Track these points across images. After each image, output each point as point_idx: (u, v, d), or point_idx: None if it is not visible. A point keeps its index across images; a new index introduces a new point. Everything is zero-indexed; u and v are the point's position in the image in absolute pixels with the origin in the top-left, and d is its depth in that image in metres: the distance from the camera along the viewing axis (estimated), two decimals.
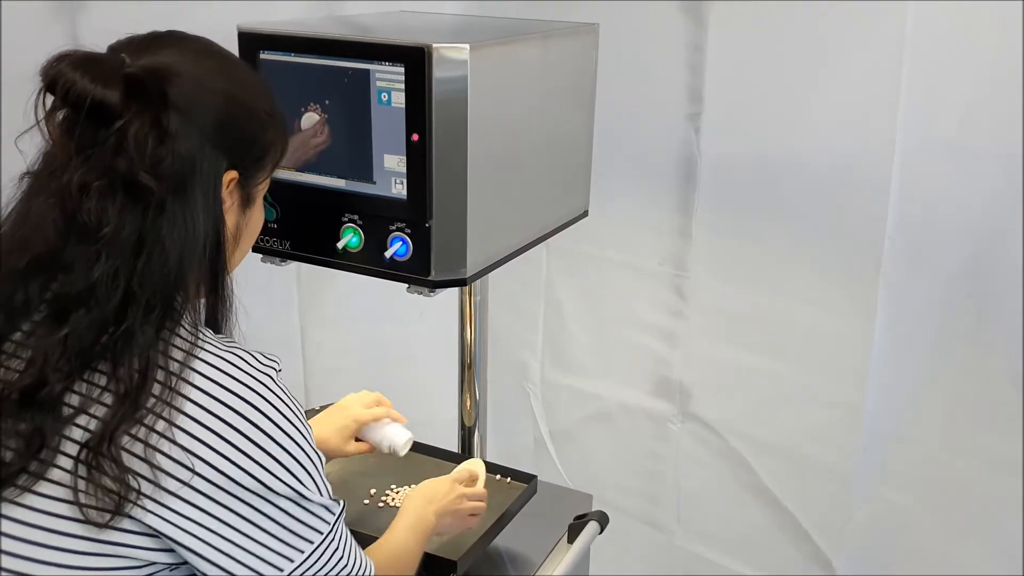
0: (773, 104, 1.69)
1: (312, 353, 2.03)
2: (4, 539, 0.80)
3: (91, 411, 0.80)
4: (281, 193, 1.21)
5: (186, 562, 0.85)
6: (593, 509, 1.45)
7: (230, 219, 0.93)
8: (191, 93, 0.85)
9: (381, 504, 1.36)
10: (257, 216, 1.00)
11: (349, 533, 0.95)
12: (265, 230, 1.24)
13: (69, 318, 0.80)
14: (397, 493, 1.39)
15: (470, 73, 1.08)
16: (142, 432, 0.79)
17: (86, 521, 0.79)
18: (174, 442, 0.80)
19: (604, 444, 2.09)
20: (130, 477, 0.79)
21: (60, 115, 0.83)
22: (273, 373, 0.88)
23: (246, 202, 0.95)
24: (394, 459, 1.48)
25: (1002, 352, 1.58)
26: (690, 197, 1.82)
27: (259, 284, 1.88)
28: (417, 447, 1.51)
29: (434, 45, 1.06)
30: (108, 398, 0.80)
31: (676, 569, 2.05)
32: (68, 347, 0.80)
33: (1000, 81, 1.48)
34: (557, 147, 1.35)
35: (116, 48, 0.88)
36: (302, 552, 0.88)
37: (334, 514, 0.91)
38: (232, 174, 0.90)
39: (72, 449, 0.80)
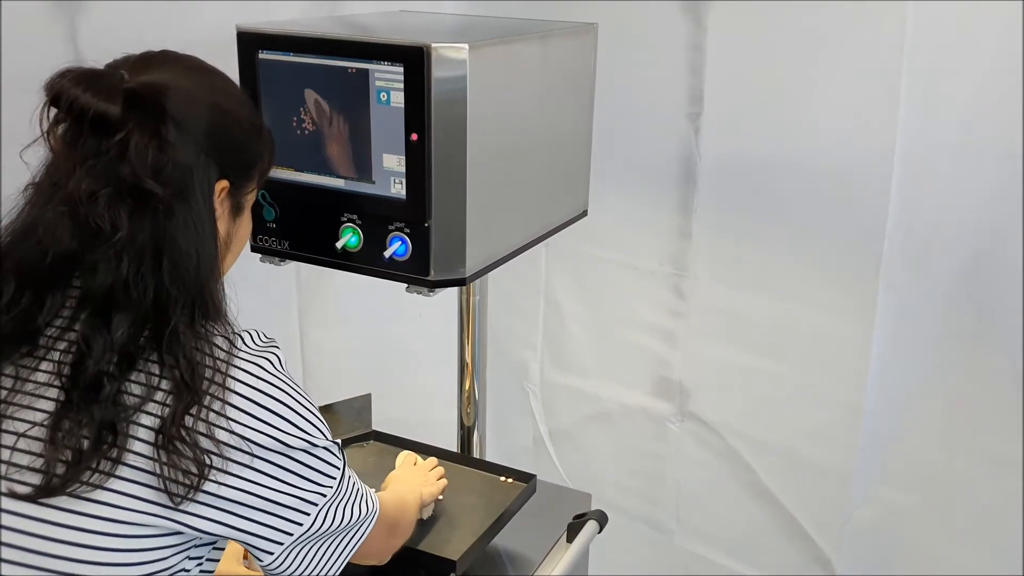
0: (773, 104, 1.69)
1: (311, 353, 2.03)
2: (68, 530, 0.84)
3: (154, 400, 0.86)
4: (280, 193, 1.21)
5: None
6: (592, 508, 1.45)
7: (221, 227, 0.97)
8: (185, 106, 0.90)
9: None
10: (245, 225, 1.04)
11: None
12: (264, 230, 1.24)
13: (112, 318, 0.86)
14: None
15: (469, 73, 1.08)
16: (203, 413, 0.86)
17: (163, 503, 0.85)
18: (229, 419, 0.88)
19: (603, 444, 2.09)
20: (199, 451, 0.85)
21: (61, 128, 0.88)
22: (274, 356, 0.94)
23: (236, 210, 1.00)
24: (393, 457, 1.49)
25: (1002, 352, 1.58)
26: (690, 197, 1.83)
27: (258, 284, 1.88)
28: (417, 447, 1.51)
29: (433, 45, 1.06)
30: (163, 389, 0.86)
31: (675, 569, 2.05)
32: (116, 348, 0.85)
33: (1000, 82, 1.48)
34: (556, 147, 1.35)
35: (114, 66, 0.93)
36: (323, 495, 0.95)
37: (340, 455, 0.98)
38: (224, 183, 0.95)
39: (141, 435, 0.85)
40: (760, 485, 1.89)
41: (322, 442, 0.94)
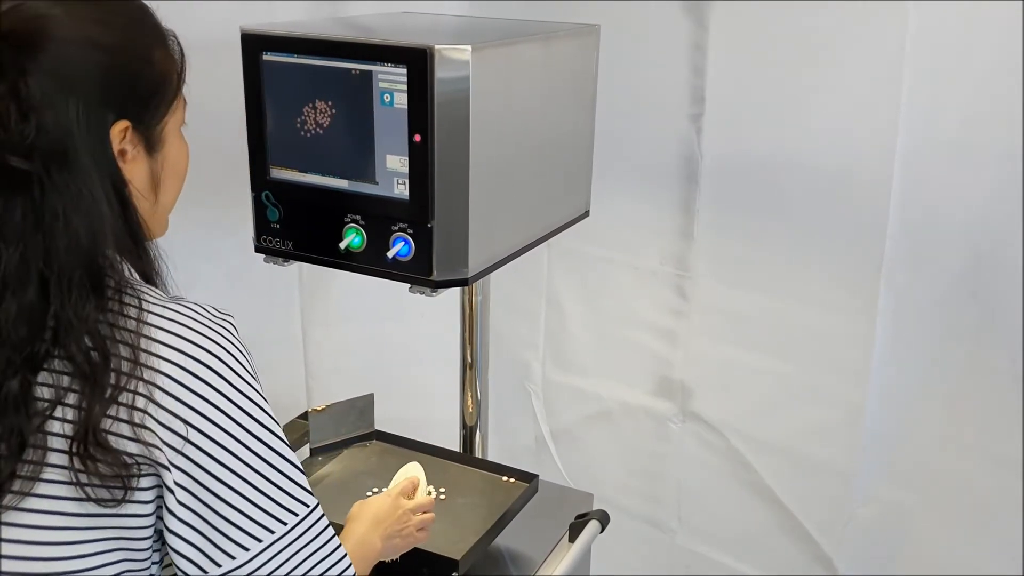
0: (774, 104, 1.69)
1: (314, 353, 2.04)
2: (7, 544, 0.78)
3: (67, 401, 0.77)
4: (284, 194, 1.22)
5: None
6: (594, 508, 1.45)
7: (138, 168, 0.87)
8: (53, 51, 0.77)
9: None
10: (176, 153, 0.92)
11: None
12: (268, 230, 1.24)
13: None
14: None
15: (472, 74, 1.08)
16: (123, 412, 0.77)
17: (92, 513, 0.78)
18: (164, 404, 0.77)
19: (605, 443, 2.09)
20: (124, 457, 0.77)
21: None
22: (225, 327, 0.84)
23: (152, 146, 0.88)
24: (396, 457, 1.49)
25: (1003, 351, 1.58)
26: (692, 197, 1.83)
27: (261, 284, 1.89)
28: (419, 447, 1.51)
29: (436, 46, 1.06)
30: (74, 390, 0.77)
31: (677, 568, 2.06)
32: (6, 342, 0.76)
33: (1001, 81, 1.48)
34: (559, 147, 1.36)
35: None
36: (285, 524, 0.84)
37: (310, 504, 0.87)
38: (122, 124, 0.84)
39: (59, 442, 0.77)
40: (762, 484, 1.89)
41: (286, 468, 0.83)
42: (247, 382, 0.83)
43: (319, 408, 1.48)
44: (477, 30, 1.32)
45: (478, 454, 1.60)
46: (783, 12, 1.63)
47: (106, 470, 0.76)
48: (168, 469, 0.78)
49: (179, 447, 0.78)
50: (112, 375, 0.77)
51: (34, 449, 0.77)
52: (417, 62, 1.07)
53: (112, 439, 0.77)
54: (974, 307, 1.61)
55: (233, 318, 0.85)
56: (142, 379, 0.77)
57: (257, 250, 1.27)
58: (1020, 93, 1.47)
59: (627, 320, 1.98)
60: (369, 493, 1.39)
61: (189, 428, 0.78)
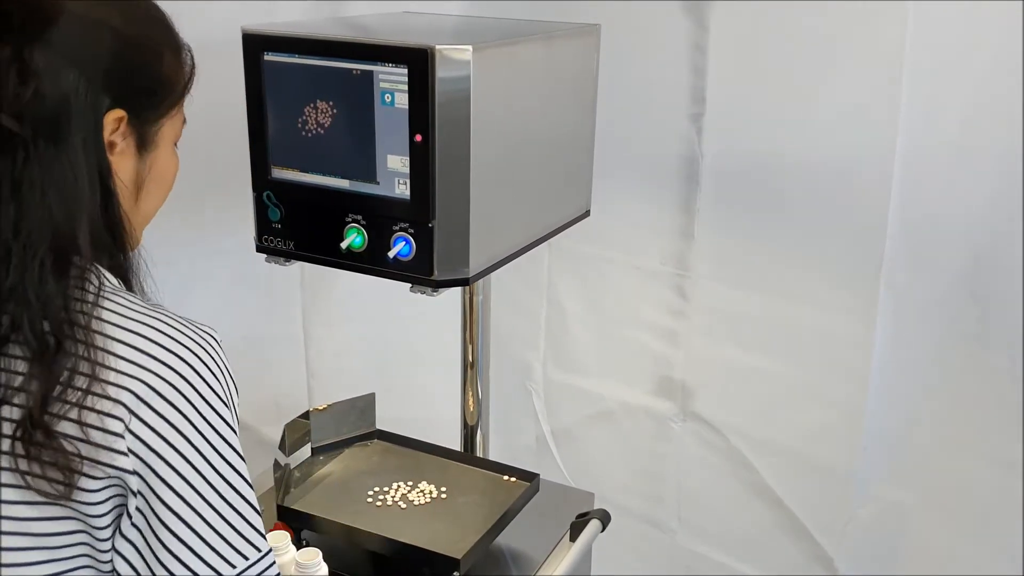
0: (775, 104, 1.69)
1: (315, 353, 2.04)
2: None
3: (16, 395, 0.74)
4: (285, 193, 1.22)
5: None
6: (595, 508, 1.45)
7: (125, 164, 0.85)
8: (64, 24, 0.77)
9: (380, 503, 1.37)
10: (163, 163, 0.90)
11: None
12: (269, 230, 1.24)
13: None
14: (397, 491, 1.40)
15: (473, 74, 1.08)
16: (74, 398, 0.73)
17: (41, 502, 0.75)
18: (139, 422, 0.74)
19: (606, 443, 2.09)
20: (68, 444, 0.73)
21: None
22: (213, 337, 0.81)
23: (143, 145, 0.87)
24: (397, 457, 1.49)
25: (1003, 351, 1.58)
26: (692, 197, 1.83)
27: (263, 284, 1.90)
28: (420, 446, 1.52)
29: (437, 46, 1.07)
30: (21, 373, 0.74)
31: (677, 568, 2.06)
32: None
33: (1001, 81, 1.48)
34: (559, 147, 1.36)
35: None
36: (234, 567, 0.79)
37: (262, 549, 0.82)
38: (118, 113, 0.82)
39: (6, 429, 0.74)
40: (762, 484, 1.90)
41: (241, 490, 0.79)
42: (218, 413, 0.79)
43: (320, 407, 1.48)
44: (478, 30, 1.32)
45: (479, 453, 1.60)
46: (783, 12, 1.63)
47: (49, 458, 0.73)
48: (132, 487, 0.76)
49: (141, 469, 0.75)
50: (68, 363, 0.73)
51: None
52: (418, 62, 1.07)
53: (61, 423, 0.73)
54: (974, 307, 1.61)
55: (216, 333, 0.82)
56: (108, 382, 0.74)
57: (258, 250, 1.27)
58: (1020, 93, 1.47)
59: (628, 320, 1.99)
60: (369, 492, 1.39)
61: (152, 452, 0.75)
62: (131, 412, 0.75)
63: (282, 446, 1.36)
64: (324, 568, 1.22)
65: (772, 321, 1.80)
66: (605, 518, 1.42)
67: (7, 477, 0.75)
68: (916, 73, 1.54)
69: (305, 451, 1.43)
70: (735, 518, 1.95)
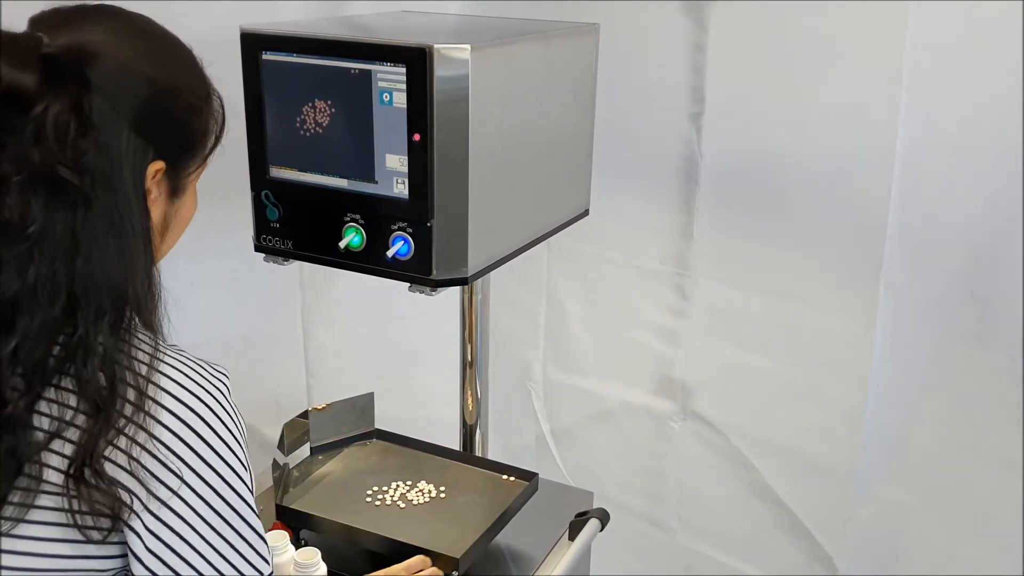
0: (774, 104, 1.69)
1: (314, 353, 2.04)
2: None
3: (66, 430, 0.77)
4: (283, 193, 1.22)
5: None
6: (594, 507, 1.45)
7: (156, 210, 0.88)
8: (114, 77, 0.79)
9: (379, 502, 1.37)
10: (187, 206, 0.94)
11: None
12: (268, 230, 1.24)
13: (16, 326, 0.75)
14: (396, 490, 1.40)
15: (471, 73, 1.08)
16: (123, 443, 0.77)
17: (83, 540, 0.78)
18: (159, 450, 0.78)
19: (605, 442, 2.09)
20: (119, 491, 0.77)
21: None
22: (224, 384, 0.85)
23: (174, 192, 0.90)
24: (396, 456, 1.49)
25: (1003, 351, 1.58)
26: (691, 196, 1.83)
27: (262, 284, 1.89)
28: (419, 445, 1.52)
29: (435, 45, 1.07)
30: (81, 412, 0.77)
31: (677, 567, 2.06)
32: (20, 359, 0.75)
33: (1001, 81, 1.48)
34: (558, 146, 1.36)
35: (35, 23, 0.82)
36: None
37: (264, 572, 0.87)
38: (158, 164, 0.85)
39: (54, 472, 0.77)
40: (762, 484, 1.89)
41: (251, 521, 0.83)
42: (233, 451, 0.83)
43: (319, 407, 1.48)
44: (476, 29, 1.32)
45: (478, 453, 1.60)
46: (783, 11, 1.63)
47: (99, 498, 0.76)
48: (140, 515, 0.78)
49: (164, 497, 0.79)
50: (125, 411, 0.77)
51: (29, 474, 0.76)
52: (416, 61, 1.07)
53: (110, 467, 0.77)
54: (974, 307, 1.61)
55: (228, 377, 0.86)
56: (140, 425, 0.77)
57: (257, 249, 1.27)
58: (1020, 93, 1.47)
59: (627, 319, 1.98)
60: (368, 492, 1.39)
61: (180, 481, 0.79)
62: (154, 456, 0.79)
63: (281, 446, 1.36)
64: (323, 568, 1.22)
65: (772, 321, 1.80)
66: (604, 517, 1.42)
67: (57, 516, 0.77)
68: (916, 73, 1.54)
69: (304, 451, 1.43)
70: (735, 518, 1.95)
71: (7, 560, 0.78)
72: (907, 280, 1.65)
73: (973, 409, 1.65)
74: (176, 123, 0.87)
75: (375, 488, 1.40)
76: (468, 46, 1.08)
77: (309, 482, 1.41)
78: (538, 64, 1.27)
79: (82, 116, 0.77)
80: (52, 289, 0.76)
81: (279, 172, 1.21)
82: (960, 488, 1.70)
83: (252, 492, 0.85)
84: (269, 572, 0.87)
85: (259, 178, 1.23)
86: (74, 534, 0.78)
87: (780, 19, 1.64)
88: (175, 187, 0.90)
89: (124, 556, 0.82)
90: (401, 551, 1.25)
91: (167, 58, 0.87)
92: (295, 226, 1.23)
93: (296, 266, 1.29)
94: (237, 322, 1.93)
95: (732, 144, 1.76)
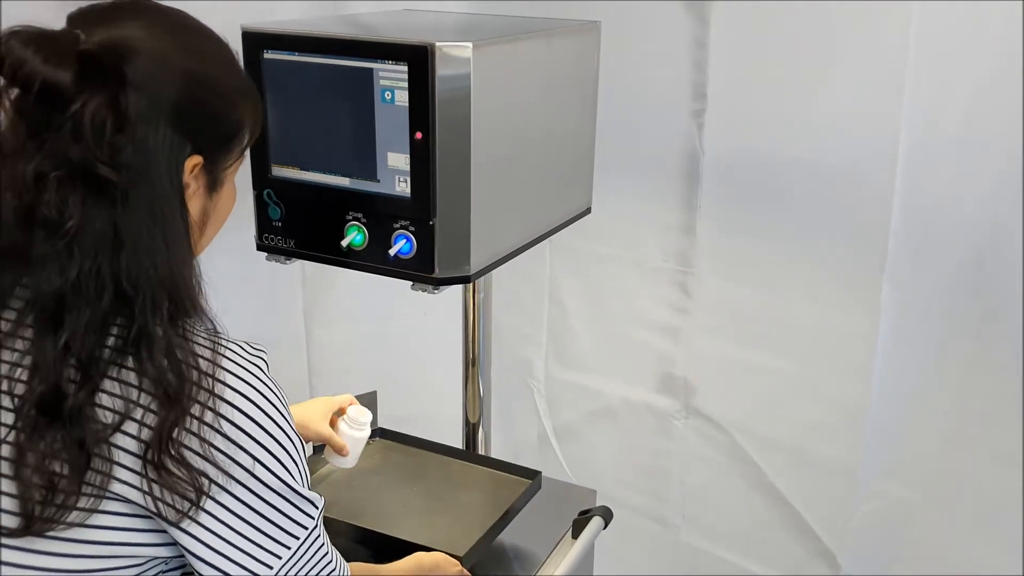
0: (777, 101, 1.69)
1: (316, 351, 2.04)
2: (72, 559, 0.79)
3: (135, 416, 0.78)
4: (285, 191, 1.22)
5: (181, 555, 0.86)
6: (597, 505, 1.45)
7: (195, 204, 0.89)
8: (151, 72, 0.79)
9: (382, 501, 1.37)
10: (226, 198, 0.95)
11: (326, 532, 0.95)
12: (270, 228, 1.24)
13: (63, 321, 0.76)
14: (399, 488, 1.39)
15: (473, 71, 1.08)
16: (195, 426, 0.79)
17: (152, 529, 0.81)
18: (224, 435, 0.81)
19: (608, 440, 2.09)
20: (196, 475, 0.79)
21: (12, 93, 0.77)
22: (264, 361, 0.87)
23: (213, 185, 0.91)
24: (399, 454, 1.49)
25: (1005, 348, 1.58)
26: (694, 194, 1.83)
27: (264, 283, 1.89)
28: (422, 444, 1.52)
29: (437, 44, 1.06)
30: (144, 399, 0.79)
31: (680, 565, 2.06)
32: (73, 352, 0.76)
33: (1003, 79, 1.48)
34: (560, 144, 1.36)
35: (73, 19, 0.81)
36: (289, 548, 0.87)
37: (317, 508, 0.91)
38: (196, 159, 0.86)
39: (123, 457, 0.78)
40: (765, 481, 1.90)
41: (300, 489, 0.87)
42: (280, 426, 0.85)
43: None
44: (478, 27, 1.32)
45: (481, 451, 1.60)
46: (785, 8, 1.62)
47: (178, 484, 0.78)
48: (215, 496, 0.82)
49: (240, 476, 0.82)
50: (188, 397, 0.79)
51: (101, 462, 0.77)
52: (418, 59, 1.07)
53: (186, 453, 0.79)
54: (976, 304, 1.61)
55: (266, 352, 0.88)
56: (211, 408, 0.80)
57: (259, 248, 1.27)
58: (1021, 91, 1.47)
59: (630, 317, 1.99)
60: (372, 490, 1.39)
61: (253, 460, 0.82)
62: (224, 435, 0.82)
63: None
64: (366, 431, 1.30)
65: (774, 318, 1.80)
66: (607, 515, 1.42)
67: (129, 508, 0.80)
68: (919, 70, 1.54)
69: (307, 449, 1.43)
70: (738, 514, 1.95)
71: (78, 549, 0.79)
72: (910, 277, 1.65)
73: (975, 406, 1.65)
74: (213, 117, 0.87)
75: (378, 486, 1.40)
76: (470, 44, 1.07)
77: (312, 480, 1.41)
78: (540, 62, 1.27)
79: (119, 112, 0.77)
80: (97, 283, 0.77)
81: (281, 171, 1.21)
82: (962, 484, 1.70)
83: (302, 454, 0.88)
84: (313, 526, 0.90)
85: (261, 177, 1.23)
86: (136, 523, 0.80)
87: (782, 16, 1.63)
88: (213, 181, 0.90)
89: (171, 544, 0.84)
90: (404, 549, 1.25)
91: (203, 52, 0.87)
92: (297, 225, 1.23)
93: (298, 265, 1.29)
94: (238, 322, 1.92)
95: (734, 141, 1.76)
